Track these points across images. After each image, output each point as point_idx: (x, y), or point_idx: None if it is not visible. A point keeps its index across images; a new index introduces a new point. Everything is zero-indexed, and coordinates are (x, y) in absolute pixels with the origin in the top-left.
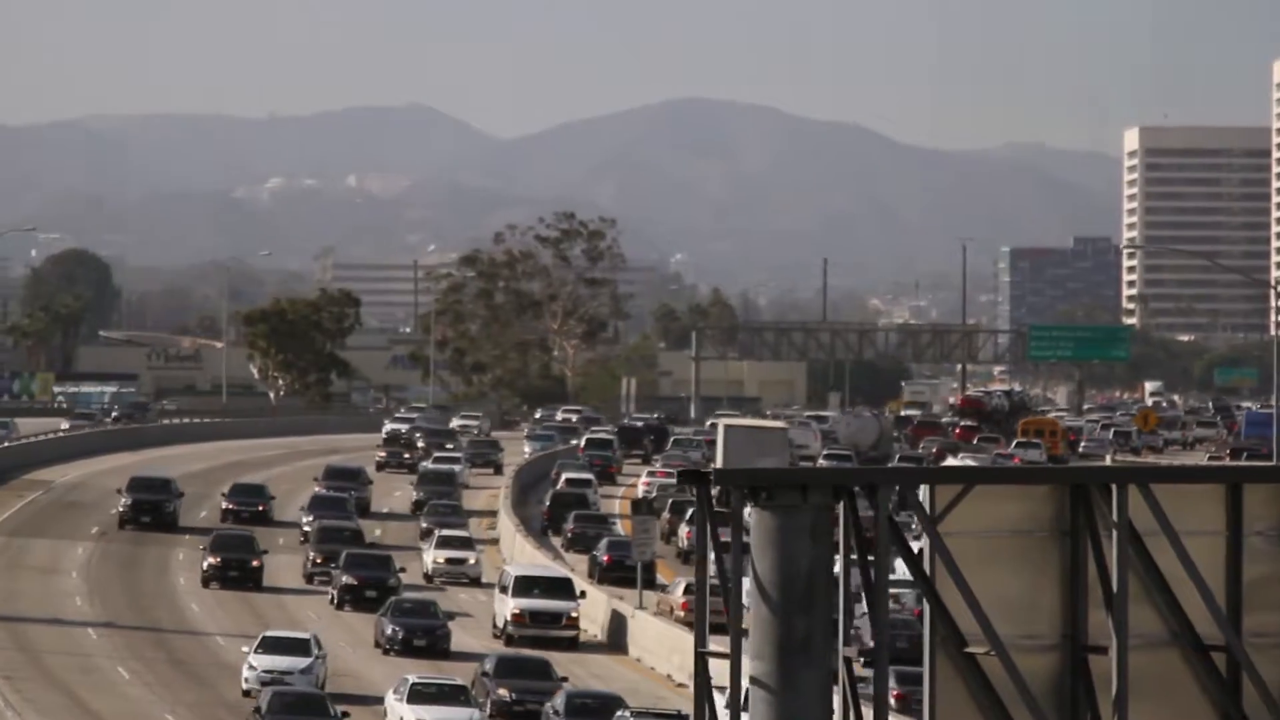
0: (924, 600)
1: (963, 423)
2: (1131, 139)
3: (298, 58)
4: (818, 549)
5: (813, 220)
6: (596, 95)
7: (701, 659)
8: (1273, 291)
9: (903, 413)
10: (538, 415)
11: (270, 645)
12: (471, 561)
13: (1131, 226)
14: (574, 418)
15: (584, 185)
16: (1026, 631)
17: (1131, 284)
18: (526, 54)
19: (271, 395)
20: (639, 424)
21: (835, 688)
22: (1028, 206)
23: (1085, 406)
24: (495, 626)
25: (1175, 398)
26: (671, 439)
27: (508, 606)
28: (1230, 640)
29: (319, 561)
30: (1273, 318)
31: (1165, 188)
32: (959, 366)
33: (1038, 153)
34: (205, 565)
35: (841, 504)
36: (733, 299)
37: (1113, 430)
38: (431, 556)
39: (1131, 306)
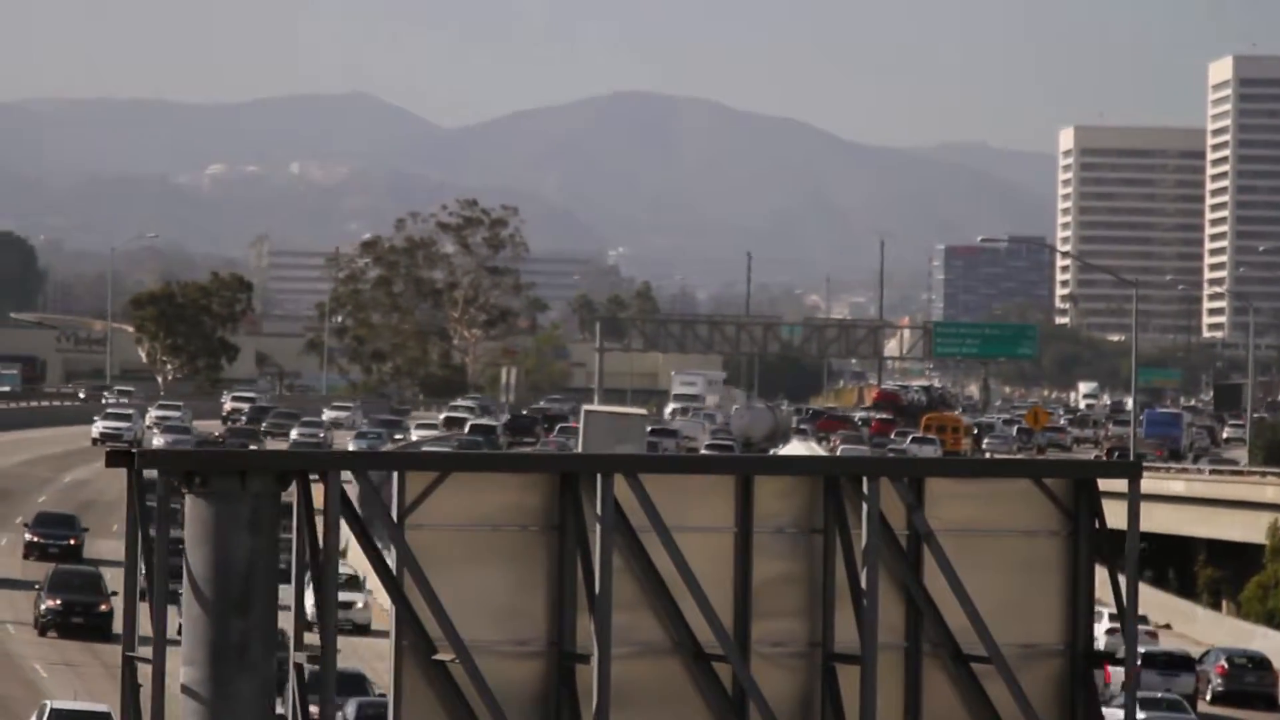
0: (392, 602)
1: (878, 416)
2: (1067, 138)
3: (241, 43)
4: (259, 542)
5: (756, 215)
6: (541, 87)
7: (129, 664)
8: (1135, 291)
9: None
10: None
11: None
12: (359, 605)
13: (1066, 226)
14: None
15: (527, 176)
16: (514, 636)
17: (1065, 283)
18: (472, 44)
19: (160, 379)
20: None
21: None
22: (972, 204)
23: (1014, 405)
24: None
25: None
26: (558, 427)
27: None
28: (728, 650)
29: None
30: (1134, 319)
31: (1099, 187)
32: (881, 361)
33: (983, 151)
34: (43, 609)
35: (296, 491)
36: (671, 293)
37: (1016, 428)
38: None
39: (1064, 306)
